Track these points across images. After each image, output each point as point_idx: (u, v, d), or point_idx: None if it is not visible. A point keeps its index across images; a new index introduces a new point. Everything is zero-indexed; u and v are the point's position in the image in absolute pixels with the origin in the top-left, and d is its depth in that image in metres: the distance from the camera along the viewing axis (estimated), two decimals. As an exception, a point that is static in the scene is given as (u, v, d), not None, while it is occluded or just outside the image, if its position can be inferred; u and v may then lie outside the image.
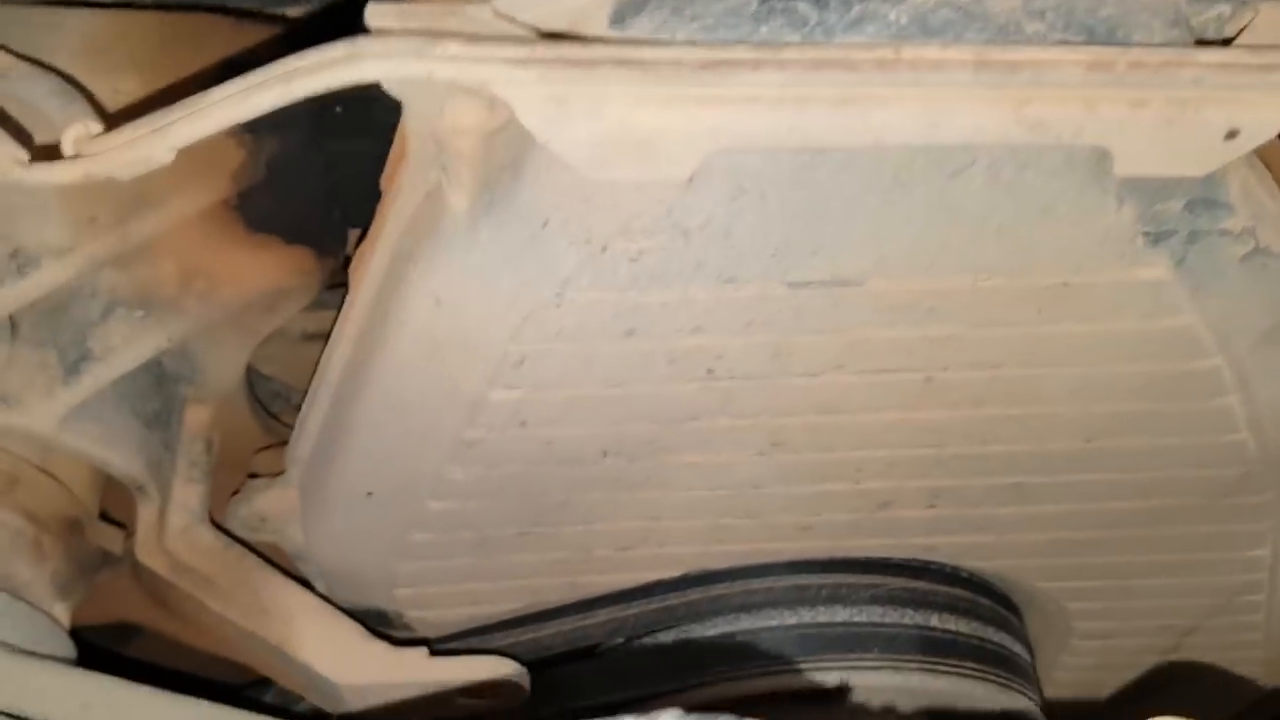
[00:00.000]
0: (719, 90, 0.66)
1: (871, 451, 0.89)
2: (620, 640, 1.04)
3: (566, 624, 1.04)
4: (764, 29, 0.68)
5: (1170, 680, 1.13)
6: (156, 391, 0.98)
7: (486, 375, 0.80)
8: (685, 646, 1.03)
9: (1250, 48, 0.69)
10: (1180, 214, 0.76)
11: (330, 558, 0.99)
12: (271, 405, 1.10)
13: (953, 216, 0.73)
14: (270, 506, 1.00)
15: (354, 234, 0.98)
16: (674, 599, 1.02)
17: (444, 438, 0.85)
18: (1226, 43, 0.71)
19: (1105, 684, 1.16)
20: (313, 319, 1.06)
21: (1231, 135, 0.69)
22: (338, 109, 0.92)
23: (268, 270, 0.94)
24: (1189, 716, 0.65)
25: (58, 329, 0.89)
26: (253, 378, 1.06)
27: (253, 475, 1.03)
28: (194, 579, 0.97)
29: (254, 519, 1.00)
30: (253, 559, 0.99)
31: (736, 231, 0.73)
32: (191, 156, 0.70)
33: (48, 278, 0.85)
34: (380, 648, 0.97)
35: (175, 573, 0.97)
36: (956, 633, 1.02)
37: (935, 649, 1.01)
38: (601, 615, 1.03)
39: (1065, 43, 0.68)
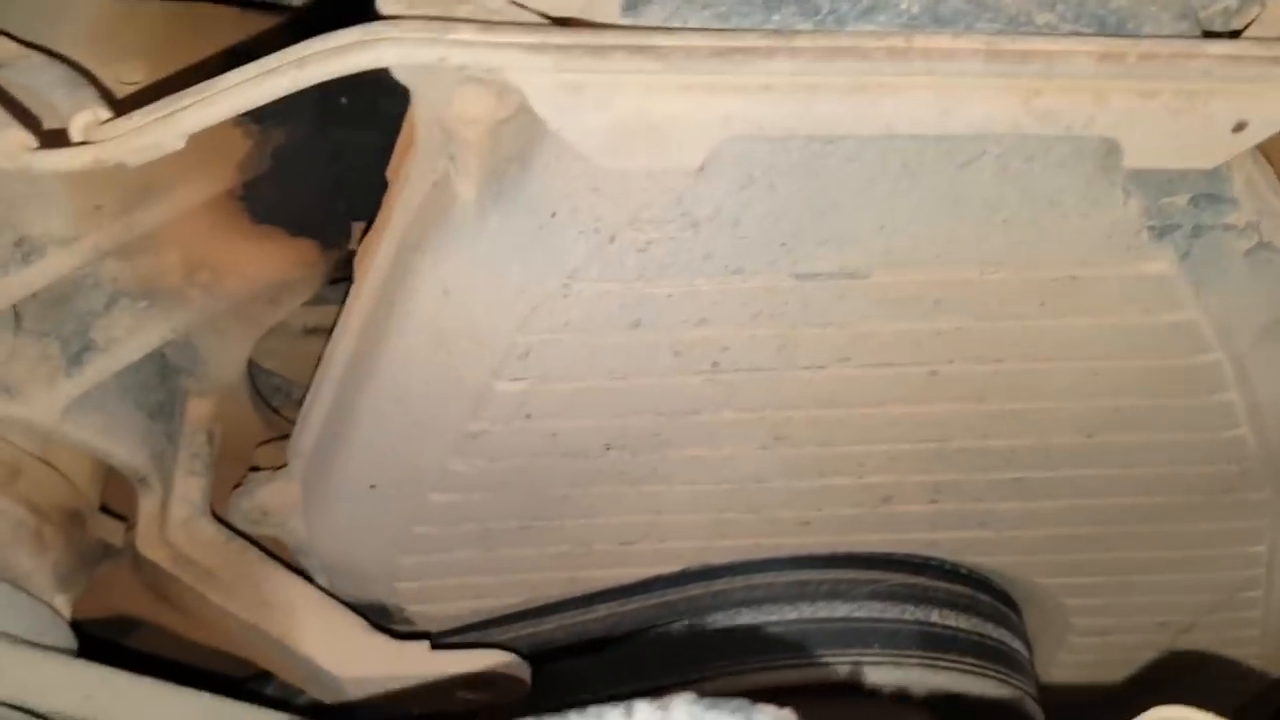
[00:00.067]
0: (732, 78, 0.66)
1: (874, 446, 0.89)
2: (620, 635, 1.04)
3: (567, 618, 1.04)
4: (776, 17, 0.68)
5: (1167, 677, 1.14)
6: (159, 383, 0.97)
7: (492, 366, 0.80)
8: (685, 641, 1.03)
9: (1259, 40, 0.69)
10: (1185, 208, 0.76)
11: (332, 551, 0.99)
12: (272, 399, 1.10)
13: (961, 208, 0.74)
14: (272, 500, 1.00)
15: (358, 227, 0.98)
16: (674, 594, 1.02)
17: (448, 430, 0.85)
18: (1234, 35, 0.71)
19: (1103, 681, 1.17)
20: (314, 314, 1.06)
21: (1239, 127, 0.70)
22: (343, 100, 0.92)
23: (272, 262, 0.94)
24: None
25: (61, 319, 0.89)
26: (254, 372, 1.06)
27: (254, 469, 1.03)
28: (195, 571, 0.96)
29: (255, 512, 1.00)
30: (255, 552, 0.98)
31: (745, 221, 0.73)
32: (197, 146, 0.70)
33: (52, 266, 0.85)
34: (382, 641, 0.97)
35: (176, 565, 0.96)
36: (956, 628, 1.02)
37: (935, 644, 1.01)
38: (602, 610, 1.03)
39: (1076, 34, 0.69)
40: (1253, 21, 0.71)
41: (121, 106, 0.74)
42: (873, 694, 0.97)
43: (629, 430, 0.86)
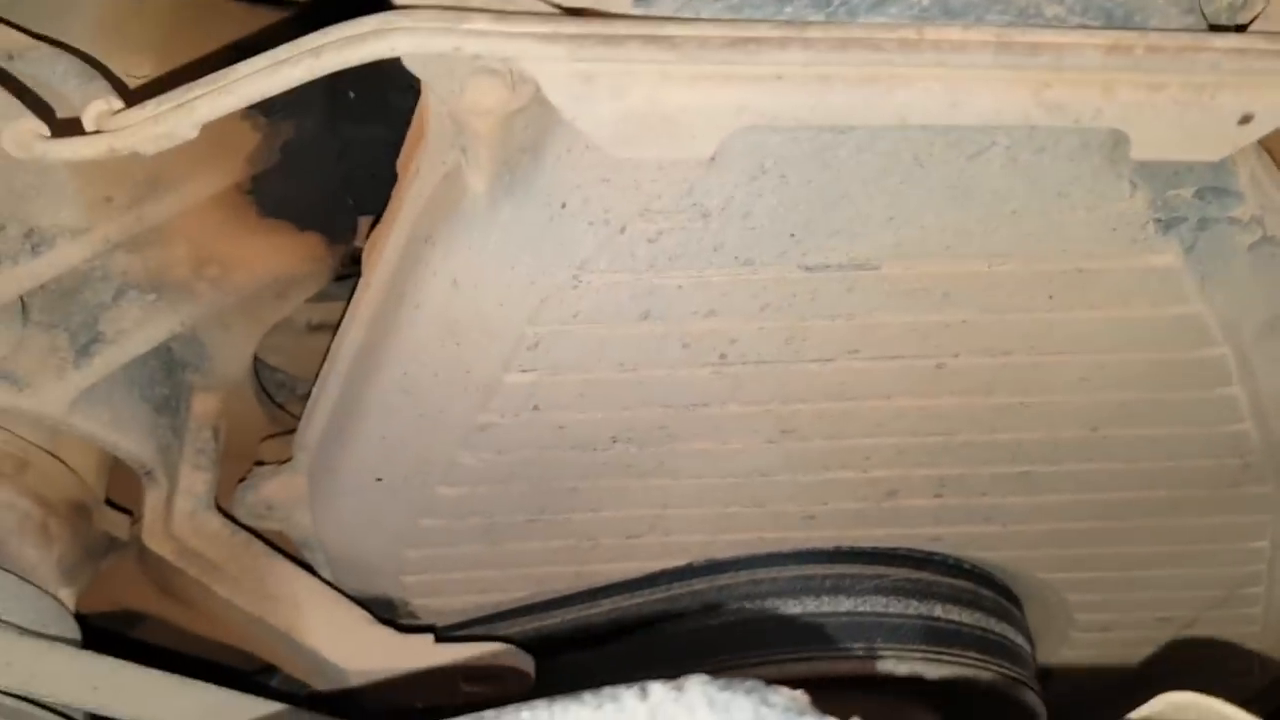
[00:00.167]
0: (744, 68, 0.66)
1: (880, 439, 0.90)
2: (625, 629, 1.04)
3: (571, 613, 1.04)
4: (789, 8, 0.68)
5: (1168, 673, 1.14)
6: (165, 378, 0.98)
7: (502, 358, 0.80)
8: (689, 636, 1.03)
9: (1265, 34, 0.70)
10: (1191, 201, 0.77)
11: (338, 544, 0.99)
12: (277, 395, 1.10)
13: (970, 199, 0.74)
14: (277, 493, 1.00)
15: (365, 222, 0.98)
16: (679, 588, 1.02)
17: (457, 422, 0.85)
18: (1240, 29, 0.72)
19: (1104, 676, 1.17)
20: (319, 310, 1.06)
21: (1246, 120, 0.70)
22: (351, 94, 0.93)
23: (279, 256, 0.95)
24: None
25: (69, 311, 0.89)
26: (258, 367, 1.07)
27: (259, 463, 1.03)
28: (201, 565, 0.97)
29: (260, 506, 1.00)
30: (260, 545, 0.99)
31: (756, 212, 0.74)
32: (207, 139, 0.70)
33: (61, 258, 0.85)
34: (387, 633, 0.97)
35: (182, 558, 0.97)
36: (960, 623, 1.03)
37: (938, 639, 1.01)
38: (606, 604, 1.04)
39: (1084, 26, 0.69)
40: (1259, 15, 0.71)
41: (131, 98, 0.74)
42: (885, 683, 0.98)
43: (636, 423, 0.86)
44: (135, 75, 0.88)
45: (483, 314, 0.79)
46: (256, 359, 1.04)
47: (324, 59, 0.66)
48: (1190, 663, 1.12)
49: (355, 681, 0.96)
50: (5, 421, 0.91)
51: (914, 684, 1.00)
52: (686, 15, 0.68)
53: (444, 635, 1.00)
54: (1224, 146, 0.72)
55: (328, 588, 0.99)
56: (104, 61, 0.87)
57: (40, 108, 0.78)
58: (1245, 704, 0.62)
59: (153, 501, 0.97)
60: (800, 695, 0.55)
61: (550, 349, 0.80)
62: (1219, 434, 0.90)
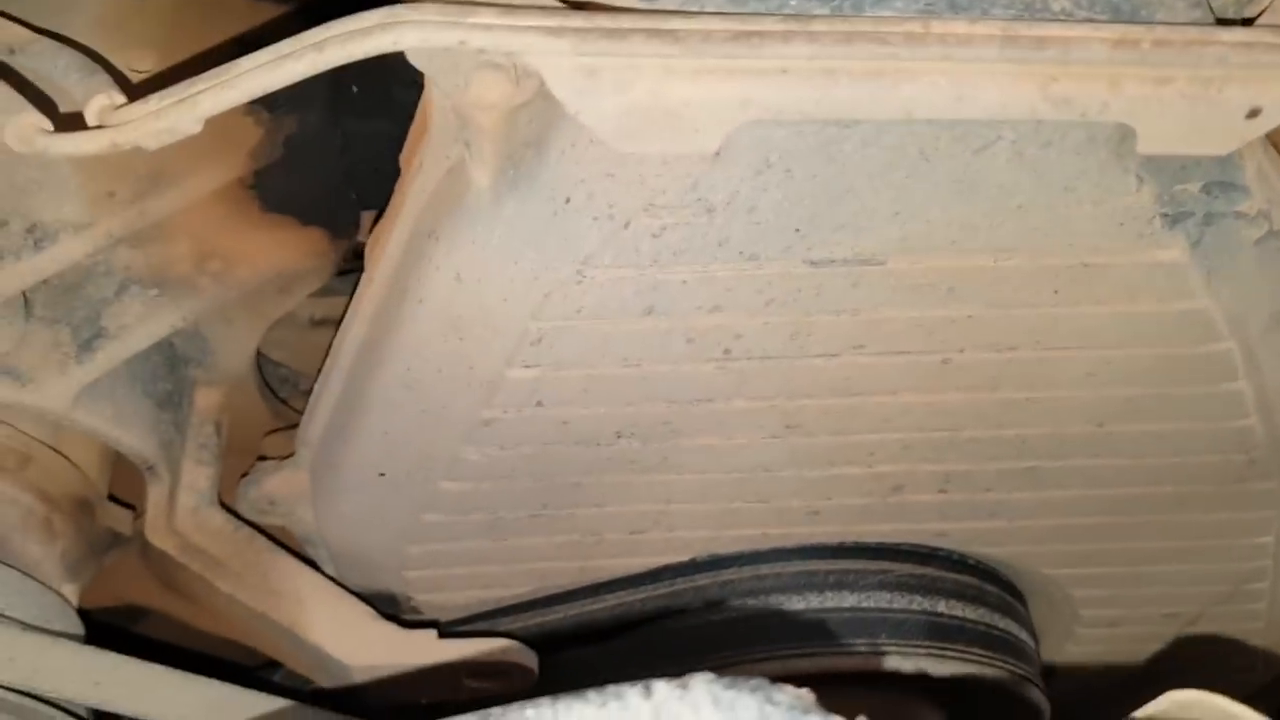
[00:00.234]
0: (749, 62, 0.66)
1: (885, 435, 0.89)
2: (628, 625, 1.04)
3: (575, 608, 1.04)
4: (793, 1, 0.68)
5: (1173, 669, 1.14)
6: (168, 373, 0.97)
7: (505, 353, 0.80)
8: (693, 631, 1.03)
9: (1273, 27, 0.69)
10: (1198, 195, 0.76)
11: (340, 540, 0.99)
12: (279, 390, 1.10)
13: (976, 193, 0.74)
14: (279, 489, 1.00)
15: (368, 217, 0.98)
16: (683, 583, 1.02)
17: (460, 417, 0.85)
18: (1247, 23, 0.71)
19: (1108, 672, 1.17)
20: (322, 305, 1.06)
21: (1253, 114, 0.70)
22: (354, 88, 0.92)
23: (282, 251, 0.94)
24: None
25: (71, 306, 0.89)
26: (261, 363, 1.06)
27: (261, 458, 1.03)
28: (204, 560, 0.97)
29: (263, 501, 1.00)
30: (262, 541, 0.99)
31: (761, 207, 0.73)
32: (209, 134, 0.70)
33: (64, 253, 0.85)
34: (390, 629, 0.97)
35: (185, 554, 0.96)
36: (964, 619, 1.03)
37: (943, 635, 1.01)
38: (610, 600, 1.04)
39: (1091, 20, 0.69)
40: (1266, 9, 0.71)
41: (134, 93, 0.74)
42: (889, 679, 0.98)
43: (640, 418, 0.86)
44: (137, 70, 0.87)
45: (486, 309, 0.79)
46: (259, 354, 1.04)
47: (327, 53, 0.66)
48: (1192, 659, 1.12)
49: (358, 677, 0.96)
50: (8, 417, 0.91)
51: (918, 680, 1.00)
52: (690, 9, 0.68)
53: (447, 631, 1.00)
54: (1231, 141, 0.72)
55: (331, 583, 0.99)
56: (106, 56, 0.86)
57: (42, 102, 0.77)
58: (1248, 700, 0.62)
59: (155, 497, 0.97)
60: (806, 694, 0.55)
61: (554, 344, 0.79)
62: (1225, 429, 0.90)
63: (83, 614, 0.93)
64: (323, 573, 1.01)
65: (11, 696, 0.83)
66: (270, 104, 0.89)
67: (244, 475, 1.01)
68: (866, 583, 1.01)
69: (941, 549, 1.03)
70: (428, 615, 1.03)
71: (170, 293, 0.91)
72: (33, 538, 0.91)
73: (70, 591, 0.93)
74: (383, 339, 0.85)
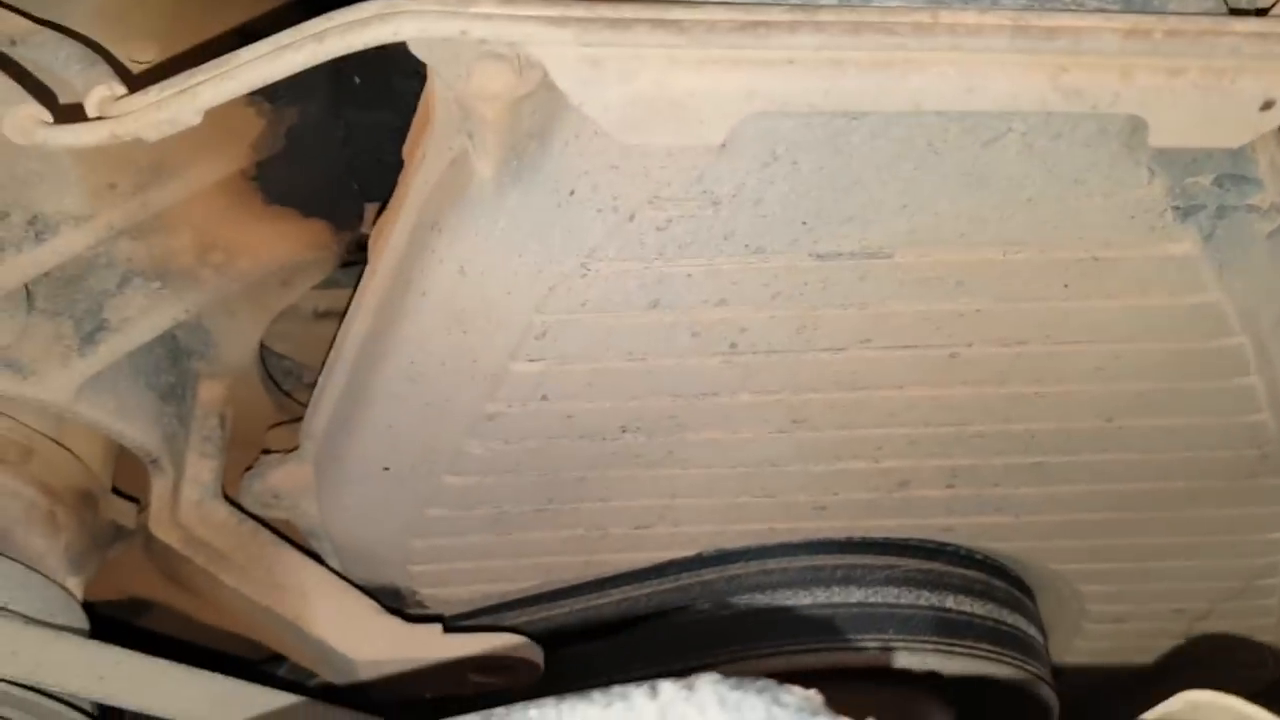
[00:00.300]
0: (755, 52, 0.65)
1: (892, 429, 0.89)
2: (634, 619, 1.04)
3: (580, 603, 1.03)
4: (800, -9, 0.67)
5: (1182, 665, 1.13)
6: (171, 366, 0.97)
7: (509, 347, 0.79)
8: (699, 626, 1.02)
9: (1287, 18, 0.69)
10: (1210, 188, 0.76)
11: (345, 533, 0.99)
12: (283, 383, 1.09)
13: (985, 186, 0.73)
14: (284, 482, 0.99)
15: (371, 208, 0.98)
16: (688, 578, 1.02)
17: (464, 411, 0.84)
18: (1261, 13, 0.70)
19: (1117, 668, 1.16)
20: (325, 297, 1.05)
21: (1267, 106, 0.69)
22: (356, 79, 0.92)
23: (285, 243, 0.94)
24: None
25: (74, 299, 0.89)
26: (265, 355, 1.06)
27: (265, 451, 1.02)
28: (208, 553, 0.96)
29: (267, 494, 1.00)
30: (267, 534, 0.98)
31: (767, 200, 0.72)
32: (211, 125, 0.70)
33: (65, 245, 0.84)
34: (395, 623, 0.97)
35: (189, 547, 0.96)
36: (971, 614, 1.02)
37: (950, 630, 1.01)
38: (615, 594, 1.03)
39: (1102, 10, 0.68)
40: (1280, 0, 0.70)
41: (134, 84, 0.73)
42: (896, 674, 0.97)
43: (645, 412, 0.85)
44: (138, 61, 0.87)
45: (490, 302, 0.78)
46: (263, 346, 1.03)
47: (328, 44, 0.65)
48: (1202, 655, 1.11)
49: (363, 672, 0.96)
50: (10, 410, 0.91)
51: (925, 676, 0.99)
52: (696, -2, 0.67)
53: (452, 625, 0.99)
54: (1244, 133, 0.71)
55: (335, 577, 0.99)
56: (107, 47, 0.85)
57: (43, 93, 0.77)
58: (1257, 697, 0.61)
59: (159, 490, 0.97)
60: (814, 695, 0.54)
61: (558, 338, 0.79)
62: (1236, 424, 0.89)
63: (87, 608, 0.92)
64: (327, 567, 1.00)
65: (16, 690, 0.83)
66: (271, 95, 0.89)
67: (248, 468, 1.01)
68: (874, 578, 1.01)
69: (949, 544, 1.03)
70: (433, 610, 1.03)
71: (172, 285, 0.91)
72: (36, 531, 0.91)
73: (74, 585, 0.93)
74: (386, 332, 0.84)
